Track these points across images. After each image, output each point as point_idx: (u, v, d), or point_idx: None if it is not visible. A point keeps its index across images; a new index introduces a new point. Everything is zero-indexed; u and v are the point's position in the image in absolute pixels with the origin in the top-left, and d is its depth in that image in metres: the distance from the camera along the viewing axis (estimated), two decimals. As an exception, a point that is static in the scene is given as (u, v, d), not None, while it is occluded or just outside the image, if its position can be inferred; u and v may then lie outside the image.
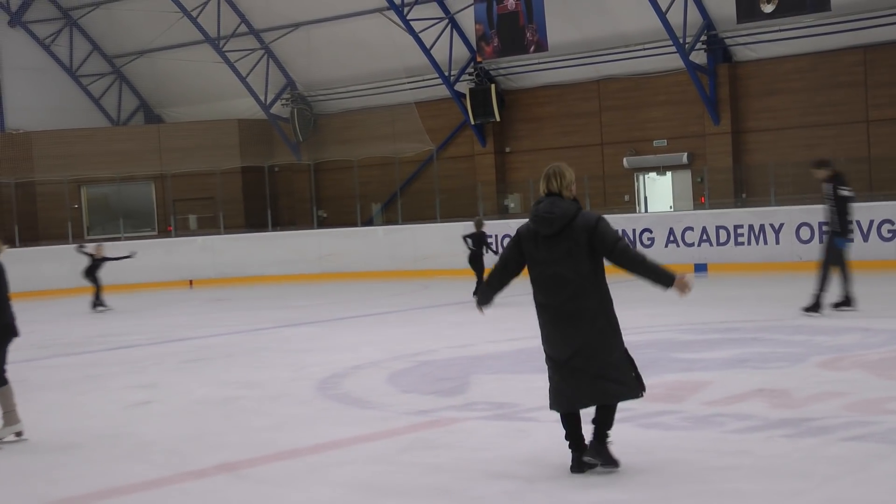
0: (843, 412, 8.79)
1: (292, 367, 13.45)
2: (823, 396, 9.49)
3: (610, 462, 7.47)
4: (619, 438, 8.20)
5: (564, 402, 7.50)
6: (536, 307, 7.65)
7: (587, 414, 7.64)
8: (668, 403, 9.55)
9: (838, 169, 16.85)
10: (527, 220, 7.62)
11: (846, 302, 16.27)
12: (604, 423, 7.49)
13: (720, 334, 14.37)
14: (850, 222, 16.07)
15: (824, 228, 17.16)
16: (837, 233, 16.04)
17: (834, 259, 16.13)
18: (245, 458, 8.49)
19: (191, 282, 33.73)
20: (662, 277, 7.37)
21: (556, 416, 9.17)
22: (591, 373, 7.36)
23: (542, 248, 7.51)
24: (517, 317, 18.23)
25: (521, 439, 8.57)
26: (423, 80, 36.68)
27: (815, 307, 15.94)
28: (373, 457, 8.28)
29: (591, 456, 7.46)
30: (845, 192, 16.14)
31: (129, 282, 31.42)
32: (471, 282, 22.83)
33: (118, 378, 13.56)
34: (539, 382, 11.01)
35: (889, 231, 25.06)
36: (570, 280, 7.39)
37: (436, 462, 7.99)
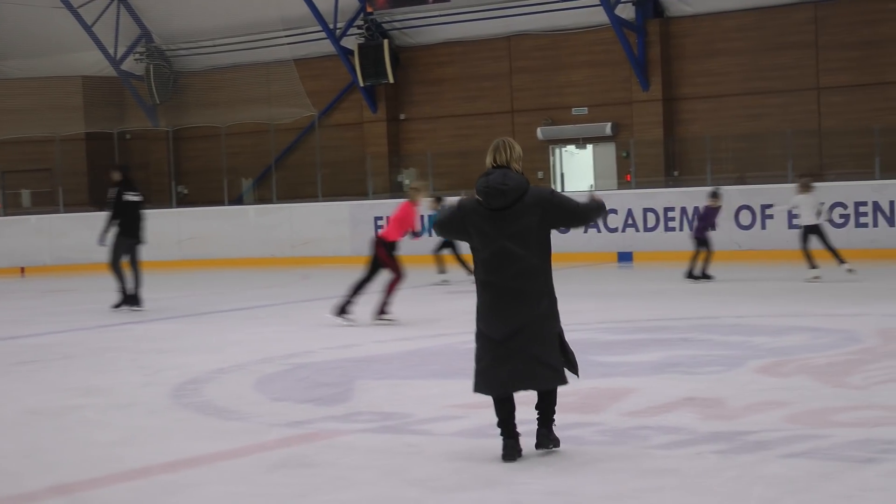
0: (785, 424, 8.92)
1: (144, 371, 13.30)
2: (762, 406, 9.63)
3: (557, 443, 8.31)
4: (525, 453, 8.24)
5: (497, 385, 8.10)
6: (478, 284, 8.26)
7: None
8: (583, 414, 9.62)
9: None
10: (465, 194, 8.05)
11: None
12: (549, 407, 8.27)
13: (646, 334, 14.53)
14: None
15: None
16: None
17: None
18: (85, 478, 8.37)
19: (22, 269, 33.20)
20: (599, 212, 8.47)
21: (455, 429, 9.21)
22: (527, 355, 8.03)
23: (489, 222, 8.10)
24: (408, 313, 18.30)
25: (412, 455, 8.56)
26: (304, 34, 36.50)
27: None
28: (236, 476, 8.21)
29: (543, 446, 8.22)
30: None
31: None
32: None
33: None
34: (434, 389, 11.05)
35: (841, 216, 25.56)
36: (519, 257, 8.06)
37: (311, 483, 7.96)
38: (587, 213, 8.33)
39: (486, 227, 8.09)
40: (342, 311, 17.06)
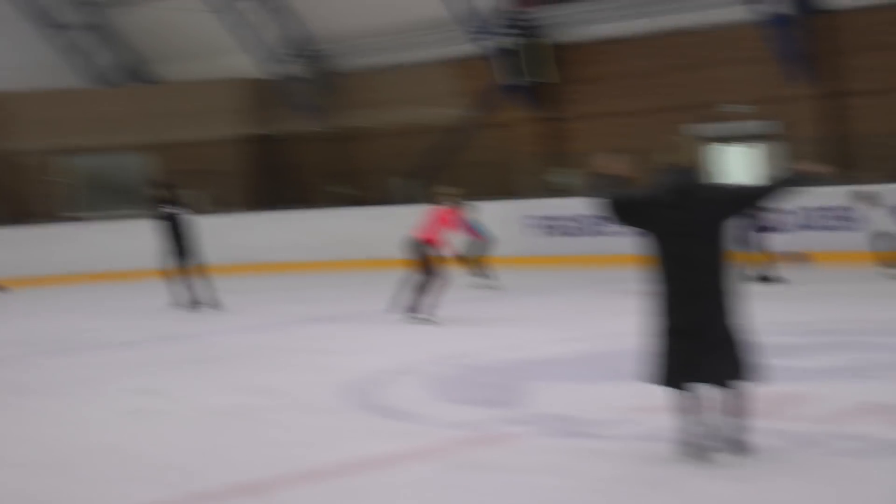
0: None
1: (313, 371, 13.51)
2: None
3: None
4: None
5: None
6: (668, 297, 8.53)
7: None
8: (761, 422, 9.51)
9: None
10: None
11: None
12: None
13: (819, 337, 14.26)
14: None
15: None
16: None
17: None
18: (266, 476, 8.53)
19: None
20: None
21: (632, 433, 9.19)
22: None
23: None
24: (580, 314, 18.25)
25: (595, 460, 8.54)
26: (461, 34, 36.51)
27: None
28: (414, 480, 8.30)
29: None
30: None
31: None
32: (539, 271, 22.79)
33: (114, 381, 13.66)
34: (610, 392, 10.98)
35: None
36: None
37: (491, 486, 8.00)
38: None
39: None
40: (412, 311, 17.81)
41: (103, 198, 38.04)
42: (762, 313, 16.51)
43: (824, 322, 15.85)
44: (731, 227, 8.33)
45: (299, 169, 40.42)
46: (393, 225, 32.76)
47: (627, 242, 29.38)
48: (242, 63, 40.37)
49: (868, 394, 10.36)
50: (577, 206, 29.61)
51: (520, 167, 34.85)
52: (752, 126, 32.22)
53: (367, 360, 14.13)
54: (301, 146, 40.51)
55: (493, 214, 31.28)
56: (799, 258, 22.47)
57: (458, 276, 24.89)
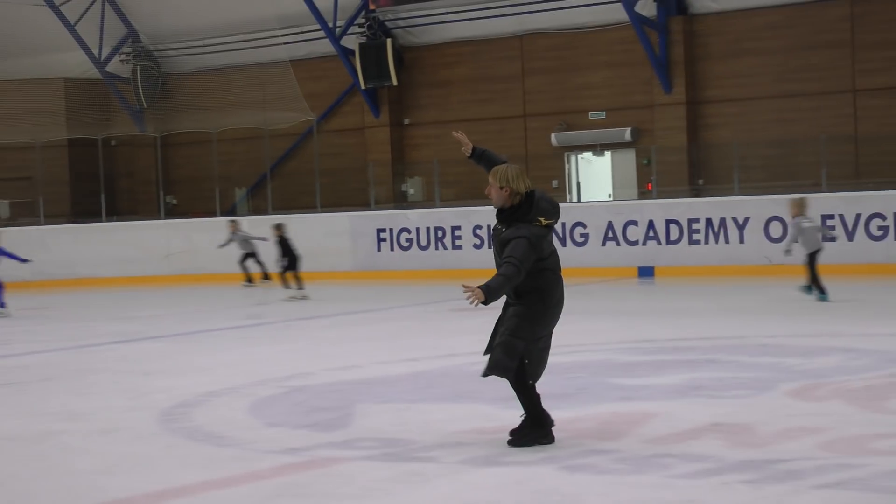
0: (819, 452, 8.90)
1: (129, 394, 13.30)
2: (794, 433, 9.61)
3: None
4: (539, 483, 8.23)
5: (542, 372, 9.68)
6: (543, 292, 9.40)
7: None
8: (601, 440, 9.60)
9: None
10: (531, 223, 9.30)
11: None
12: None
13: (669, 355, 14.50)
14: None
15: None
16: None
17: None
18: (63, 510, 8.37)
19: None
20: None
21: (461, 456, 9.20)
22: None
23: (550, 237, 9.53)
24: (412, 333, 18.33)
25: (417, 485, 8.55)
26: (302, 33, 36.57)
27: None
28: (228, 508, 8.21)
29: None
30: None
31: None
32: (373, 287, 22.84)
33: None
34: (441, 414, 11.03)
35: (879, 228, 25.54)
36: None
37: (308, 515, 7.95)
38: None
39: (550, 242, 9.53)
40: None
41: None
42: (609, 331, 16.81)
43: (671, 339, 16.11)
44: None
45: (127, 176, 40.01)
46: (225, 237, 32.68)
47: (467, 258, 29.99)
48: (68, 62, 39.83)
49: (713, 413, 10.53)
50: (419, 219, 29.80)
51: (362, 176, 34.86)
52: (613, 133, 32.73)
53: (188, 382, 13.97)
54: (129, 152, 40.10)
55: (331, 225, 31.36)
56: None
57: (276, 292, 25.06)
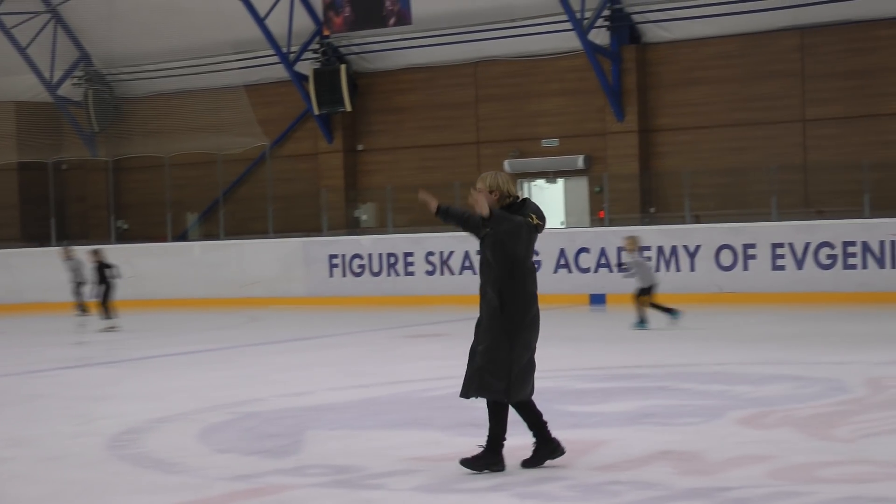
0: (767, 480, 8.94)
1: (77, 420, 13.20)
2: (743, 460, 9.65)
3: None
4: (490, 512, 8.24)
5: (531, 391, 9.60)
6: (525, 296, 9.51)
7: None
8: (550, 468, 9.62)
9: None
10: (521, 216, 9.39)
11: None
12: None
13: (619, 382, 14.54)
14: None
15: None
16: None
17: None
18: (9, 537, 8.31)
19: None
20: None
21: (412, 483, 9.20)
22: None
23: (534, 240, 9.60)
24: (363, 359, 18.31)
25: (367, 513, 8.55)
26: (256, 58, 36.53)
27: None
28: (176, 535, 8.17)
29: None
30: None
31: None
32: (325, 312, 22.79)
33: None
34: (392, 440, 11.02)
35: (828, 257, 25.72)
36: None
37: (257, 542, 7.93)
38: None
39: (533, 243, 9.60)
40: None
41: None
42: (561, 358, 16.82)
43: (622, 367, 16.16)
44: None
45: (78, 201, 39.83)
46: (178, 263, 32.61)
47: (420, 284, 30.00)
48: (20, 85, 39.65)
49: (663, 440, 10.57)
50: (371, 245, 29.83)
51: (315, 202, 34.82)
52: (565, 161, 32.87)
53: (137, 408, 13.89)
54: (80, 176, 39.93)
55: (283, 251, 31.31)
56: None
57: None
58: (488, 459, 9.42)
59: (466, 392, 9.53)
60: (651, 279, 21.35)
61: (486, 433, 9.48)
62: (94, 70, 38.79)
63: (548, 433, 9.57)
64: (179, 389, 15.55)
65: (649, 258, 21.79)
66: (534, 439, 9.56)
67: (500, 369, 9.32)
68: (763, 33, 30.82)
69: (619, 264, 22.30)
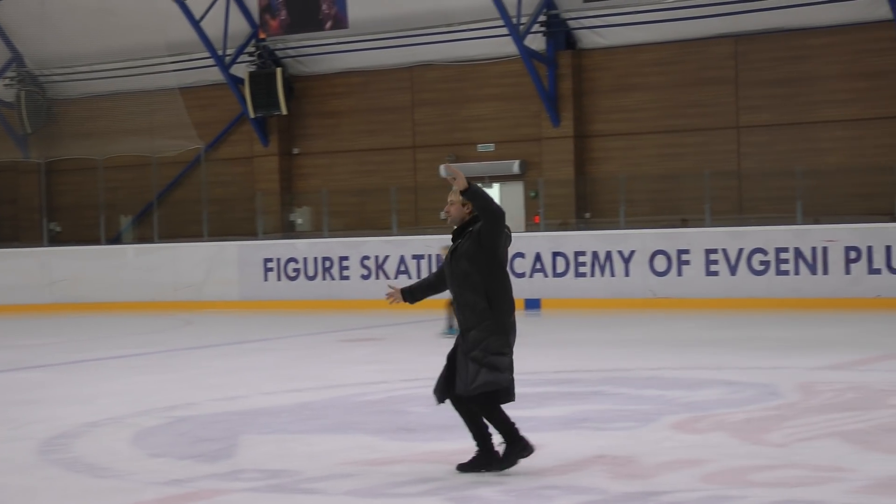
0: (700, 484, 8.99)
1: (7, 425, 13.10)
2: (677, 464, 9.71)
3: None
4: (425, 516, 8.25)
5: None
6: (507, 300, 9.64)
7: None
8: (484, 473, 9.62)
9: None
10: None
11: None
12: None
13: (554, 387, 14.57)
14: None
15: None
16: None
17: None
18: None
19: None
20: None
21: (347, 488, 9.20)
22: None
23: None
24: (298, 363, 18.26)
25: (301, 517, 8.53)
26: (191, 61, 36.36)
27: None
28: (108, 540, 8.12)
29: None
30: None
31: None
32: (260, 316, 22.72)
33: None
34: (327, 445, 11.00)
35: (761, 262, 25.91)
36: None
37: (190, 547, 7.88)
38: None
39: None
40: None
41: None
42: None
43: (557, 371, 16.20)
44: None
45: (10, 203, 39.48)
46: (112, 266, 32.39)
47: (355, 288, 29.94)
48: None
49: (597, 445, 10.61)
50: (306, 248, 29.79)
51: (250, 205, 34.71)
52: (501, 165, 32.94)
53: (70, 412, 13.78)
54: (12, 178, 39.58)
55: (220, 255, 31.21)
56: None
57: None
58: (515, 449, 9.50)
59: (467, 388, 9.36)
60: None
61: (472, 435, 9.63)
62: (26, 71, 38.47)
63: (491, 445, 9.57)
64: (112, 393, 15.45)
65: None
66: (476, 446, 9.58)
67: (504, 365, 9.44)
68: (698, 40, 31.03)
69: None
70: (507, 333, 9.50)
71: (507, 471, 9.63)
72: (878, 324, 22.18)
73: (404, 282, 28.72)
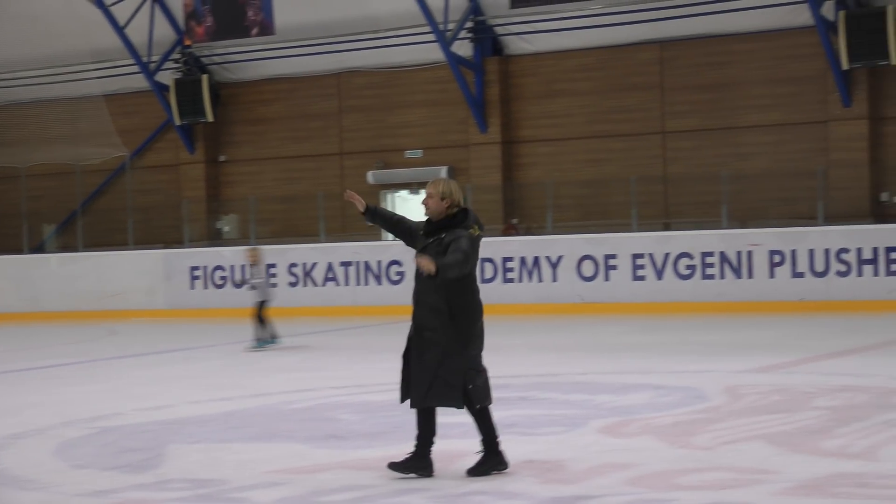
0: (628, 488, 9.04)
1: (-71, 437, 12.94)
2: (605, 469, 9.75)
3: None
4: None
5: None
6: (474, 305, 9.65)
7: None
8: (413, 479, 9.62)
9: None
10: (467, 229, 9.51)
11: None
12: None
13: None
14: None
15: None
16: None
17: None
18: None
19: None
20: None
21: (275, 496, 9.17)
22: None
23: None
24: (225, 372, 18.18)
25: (229, 527, 8.47)
26: (115, 68, 36.11)
27: None
28: (32, 553, 8.04)
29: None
30: None
31: None
32: (186, 325, 22.56)
33: None
34: (254, 453, 10.95)
35: (687, 267, 26.08)
36: None
37: (116, 558, 7.82)
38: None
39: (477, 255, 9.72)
40: None
41: None
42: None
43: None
44: None
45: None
46: (35, 275, 32.09)
47: (282, 296, 29.81)
48: None
49: (526, 450, 10.62)
50: (233, 256, 29.68)
51: (176, 213, 34.52)
52: (429, 172, 32.95)
53: (-8, 423, 13.65)
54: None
55: (143, 263, 31.01)
56: None
57: None
58: (494, 461, 9.66)
59: (421, 401, 9.57)
60: (267, 294, 21.44)
61: (480, 440, 9.76)
62: (-54, 79, 38.09)
63: (497, 445, 9.74)
64: (36, 404, 15.29)
65: (263, 273, 21.93)
66: (481, 447, 9.75)
67: (457, 377, 9.47)
68: (623, 46, 31.20)
69: (243, 279, 22.27)
70: (465, 346, 9.54)
71: (436, 477, 9.63)
72: (802, 327, 22.40)
73: (331, 288, 28.69)
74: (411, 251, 9.72)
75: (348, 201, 10.00)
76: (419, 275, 9.57)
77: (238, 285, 22.00)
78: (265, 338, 21.08)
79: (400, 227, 9.94)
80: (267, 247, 29.91)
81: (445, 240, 9.47)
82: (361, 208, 9.85)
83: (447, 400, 9.54)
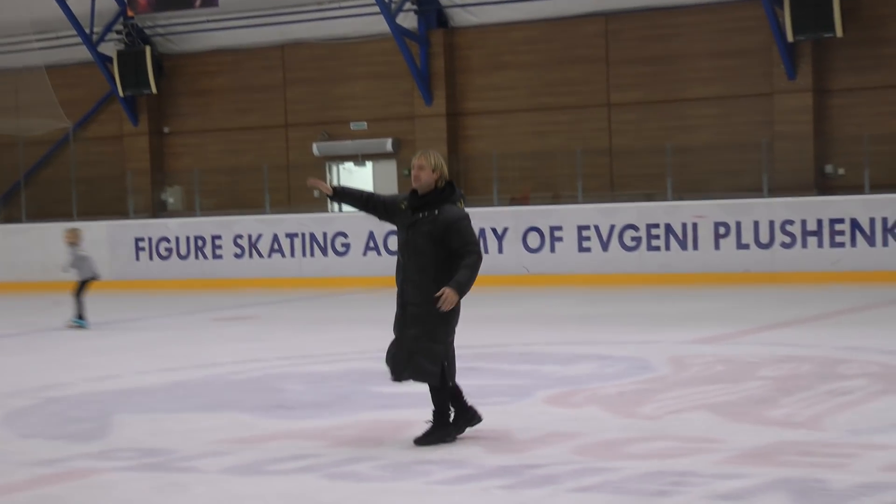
0: (574, 457, 9.09)
1: None
2: (551, 438, 9.80)
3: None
4: (301, 491, 8.24)
5: None
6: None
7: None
8: (361, 448, 9.65)
9: None
10: (454, 204, 9.73)
11: None
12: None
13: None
14: None
15: None
16: None
17: None
18: None
19: None
20: None
21: (223, 465, 9.18)
22: None
23: None
24: (171, 342, 18.15)
25: (177, 495, 8.47)
26: (57, 38, 35.83)
27: None
28: (-21, 522, 8.01)
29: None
30: None
31: None
32: (132, 296, 22.47)
33: None
34: (201, 423, 10.95)
35: (633, 239, 26.19)
36: None
37: (64, 527, 7.80)
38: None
39: None
40: None
41: None
42: (371, 340, 16.86)
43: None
44: None
45: None
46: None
47: (227, 267, 29.72)
48: None
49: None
50: (178, 228, 29.59)
51: (120, 185, 34.33)
52: (374, 144, 32.93)
53: (-64, 395, 13.57)
54: None
55: (88, 235, 30.77)
56: None
57: None
58: (442, 433, 9.70)
59: (399, 375, 9.77)
60: (92, 272, 21.40)
61: (432, 411, 9.80)
62: None
63: (464, 402, 9.91)
64: (-19, 375, 15.24)
65: (87, 251, 21.93)
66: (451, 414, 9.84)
67: (436, 354, 9.58)
68: (568, 18, 31.23)
69: (65, 266, 22.17)
70: (448, 323, 9.69)
71: (383, 446, 9.67)
72: (747, 298, 22.55)
73: (277, 260, 28.64)
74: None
75: (312, 186, 10.17)
76: (406, 249, 9.60)
77: (64, 270, 21.81)
78: (83, 314, 20.87)
79: (371, 202, 10.00)
80: (211, 219, 29.89)
81: (441, 219, 9.57)
82: (329, 192, 9.92)
83: (426, 376, 9.62)
